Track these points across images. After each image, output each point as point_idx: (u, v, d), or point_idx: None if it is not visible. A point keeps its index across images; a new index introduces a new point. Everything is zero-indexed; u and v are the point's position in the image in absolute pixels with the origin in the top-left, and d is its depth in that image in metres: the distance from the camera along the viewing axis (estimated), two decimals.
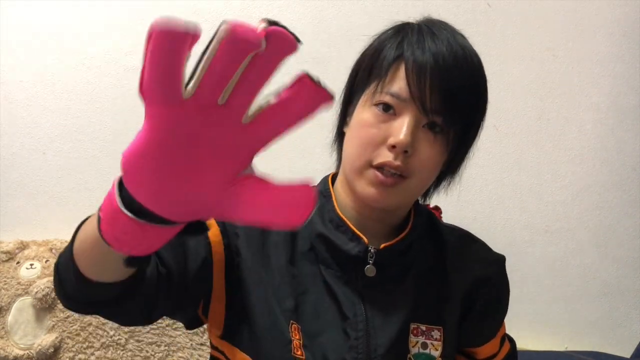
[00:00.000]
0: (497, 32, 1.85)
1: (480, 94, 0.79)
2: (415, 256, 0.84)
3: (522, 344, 1.79)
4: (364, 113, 0.76)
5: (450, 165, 0.83)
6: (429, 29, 0.77)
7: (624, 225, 1.92)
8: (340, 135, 0.84)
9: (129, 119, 1.68)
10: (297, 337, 0.77)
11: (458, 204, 1.78)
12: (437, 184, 0.86)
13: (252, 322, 0.77)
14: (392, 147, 0.73)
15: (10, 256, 1.51)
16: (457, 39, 0.76)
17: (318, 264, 0.80)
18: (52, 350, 1.44)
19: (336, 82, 0.74)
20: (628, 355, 1.77)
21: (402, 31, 0.78)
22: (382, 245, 0.80)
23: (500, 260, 0.90)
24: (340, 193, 0.83)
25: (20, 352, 1.43)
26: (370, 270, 0.80)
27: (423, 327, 0.81)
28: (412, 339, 0.81)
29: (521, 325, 1.85)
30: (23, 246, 1.54)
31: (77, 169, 1.67)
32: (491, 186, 1.85)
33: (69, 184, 1.67)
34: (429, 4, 1.75)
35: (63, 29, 1.66)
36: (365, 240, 0.79)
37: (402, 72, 0.74)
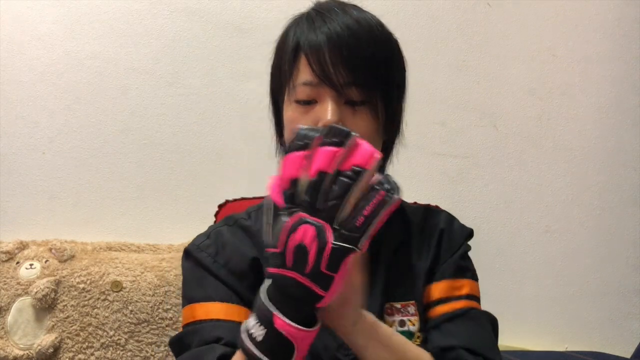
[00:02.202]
0: (497, 32, 1.85)
1: (387, 57, 0.79)
2: (382, 238, 0.83)
3: (522, 344, 1.79)
4: (287, 112, 0.78)
5: (389, 132, 0.83)
6: (318, 12, 0.78)
7: (624, 225, 1.92)
8: (281, 145, 0.85)
9: (129, 119, 1.68)
10: None
11: (458, 204, 1.78)
12: (386, 155, 0.86)
13: None
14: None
15: (10, 256, 1.51)
16: (349, 13, 0.77)
17: None
18: (51, 351, 1.44)
19: None
20: (628, 355, 1.77)
21: (294, 24, 0.80)
22: None
23: (463, 228, 0.90)
24: None
25: (20, 352, 1.43)
26: None
27: (398, 305, 0.82)
28: (388, 319, 0.81)
29: (521, 325, 1.85)
30: (23, 246, 1.53)
31: (77, 169, 1.67)
32: (491, 186, 1.85)
33: (69, 184, 1.67)
34: (429, 3, 1.75)
35: (63, 29, 1.66)
36: None
37: (303, 60, 0.76)
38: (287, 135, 0.79)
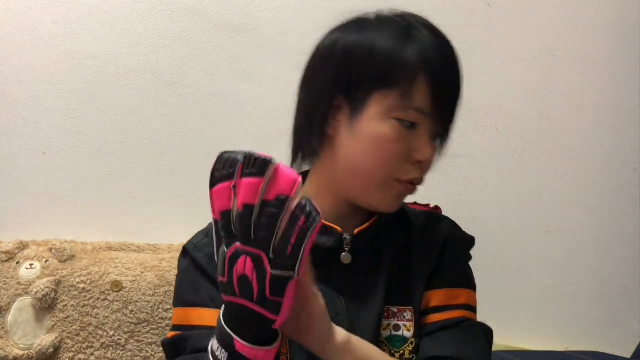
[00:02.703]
0: (497, 32, 1.85)
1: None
2: (385, 241, 0.84)
3: (522, 344, 1.79)
4: (381, 126, 0.74)
5: None
6: (429, 28, 0.77)
7: (624, 225, 1.92)
8: (320, 136, 0.80)
9: (129, 119, 1.68)
10: (285, 350, 0.77)
11: (458, 204, 1.78)
12: None
13: None
14: (418, 162, 0.75)
15: (10, 256, 1.51)
16: (446, 39, 0.79)
17: None
18: (52, 351, 1.44)
19: None
20: (628, 355, 1.77)
21: (402, 28, 0.76)
22: (356, 231, 0.81)
23: (466, 237, 0.90)
24: (309, 192, 0.82)
25: (20, 352, 1.43)
26: (346, 257, 0.81)
27: (394, 309, 0.82)
28: (383, 322, 0.81)
29: (521, 325, 1.85)
30: (23, 246, 1.53)
31: (77, 169, 1.67)
32: (491, 186, 1.85)
33: (69, 184, 1.67)
34: (429, 3, 1.75)
35: (63, 29, 1.66)
36: (339, 229, 0.80)
37: (424, 84, 0.73)
38: (367, 150, 0.75)
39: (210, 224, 0.88)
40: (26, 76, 1.65)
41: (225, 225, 0.57)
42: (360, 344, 0.70)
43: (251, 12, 1.73)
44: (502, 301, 1.78)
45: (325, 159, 0.80)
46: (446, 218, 0.92)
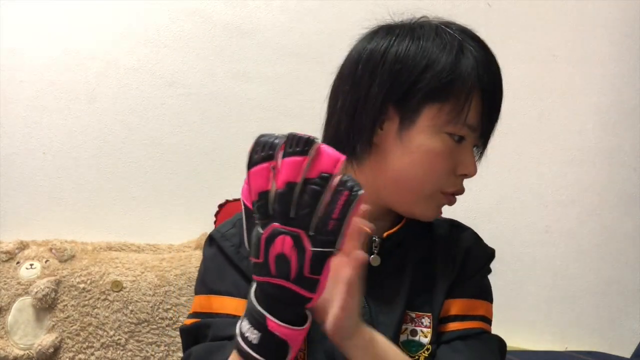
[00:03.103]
0: (497, 32, 1.84)
1: None
2: (410, 247, 0.85)
3: (522, 344, 1.79)
4: (433, 140, 0.75)
5: None
6: (477, 41, 0.80)
7: (624, 225, 1.92)
8: (367, 143, 0.78)
9: (129, 119, 1.68)
10: (303, 347, 0.77)
11: (458, 204, 1.77)
12: None
13: None
14: (463, 176, 0.78)
15: (10, 256, 1.51)
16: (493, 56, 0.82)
17: None
18: (52, 350, 1.44)
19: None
20: (628, 355, 1.77)
21: (456, 43, 0.77)
22: (385, 234, 0.82)
23: (487, 249, 0.91)
24: None
25: (20, 352, 1.43)
26: (375, 259, 0.81)
27: (412, 314, 0.82)
28: (402, 326, 0.81)
29: (521, 325, 1.85)
30: (23, 246, 1.54)
31: (77, 169, 1.67)
32: (491, 186, 1.85)
33: (69, 184, 1.67)
34: (429, 3, 1.74)
35: (63, 29, 1.66)
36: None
37: (477, 101, 0.75)
38: (416, 162, 0.76)
39: (237, 214, 0.88)
40: (26, 76, 1.65)
41: (262, 205, 0.57)
42: (384, 347, 0.71)
43: (251, 12, 1.73)
44: (502, 301, 1.77)
45: (367, 165, 0.80)
46: (468, 228, 0.93)
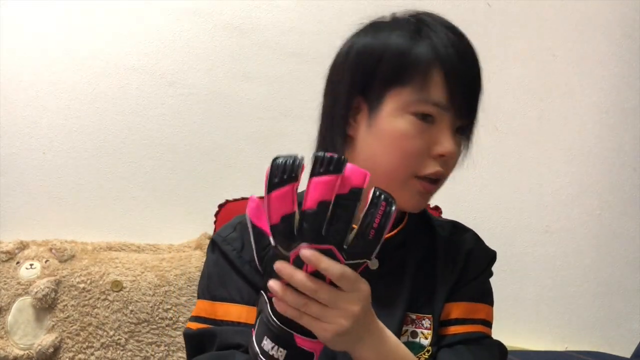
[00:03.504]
0: (497, 32, 1.85)
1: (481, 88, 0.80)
2: (410, 249, 0.84)
3: (522, 344, 1.79)
4: (399, 122, 0.75)
5: None
6: (444, 25, 0.77)
7: (624, 225, 1.92)
8: (343, 137, 0.80)
9: (129, 119, 1.68)
10: None
11: (458, 204, 1.78)
12: None
13: None
14: (440, 156, 0.75)
15: (10, 256, 1.51)
16: (463, 35, 0.78)
17: None
18: (52, 350, 1.44)
19: None
20: (628, 355, 1.77)
21: (414, 27, 0.77)
22: (385, 236, 0.81)
23: (489, 251, 0.91)
24: None
25: (20, 352, 1.43)
26: (373, 263, 0.81)
27: (413, 316, 0.82)
28: (403, 327, 0.81)
29: (521, 325, 1.85)
30: (23, 246, 1.54)
31: (77, 169, 1.67)
32: (491, 186, 1.85)
33: (69, 184, 1.67)
34: (429, 3, 1.74)
35: (63, 29, 1.66)
36: None
37: (439, 78, 0.74)
38: (386, 148, 0.76)
39: (236, 217, 0.88)
40: (26, 76, 1.65)
41: (285, 229, 0.58)
42: (391, 344, 0.70)
43: (251, 12, 1.73)
44: (502, 301, 1.78)
45: (348, 160, 0.81)
46: (470, 230, 0.92)
